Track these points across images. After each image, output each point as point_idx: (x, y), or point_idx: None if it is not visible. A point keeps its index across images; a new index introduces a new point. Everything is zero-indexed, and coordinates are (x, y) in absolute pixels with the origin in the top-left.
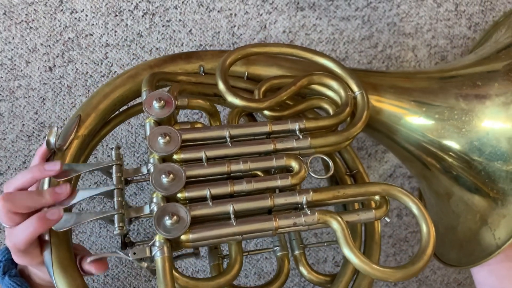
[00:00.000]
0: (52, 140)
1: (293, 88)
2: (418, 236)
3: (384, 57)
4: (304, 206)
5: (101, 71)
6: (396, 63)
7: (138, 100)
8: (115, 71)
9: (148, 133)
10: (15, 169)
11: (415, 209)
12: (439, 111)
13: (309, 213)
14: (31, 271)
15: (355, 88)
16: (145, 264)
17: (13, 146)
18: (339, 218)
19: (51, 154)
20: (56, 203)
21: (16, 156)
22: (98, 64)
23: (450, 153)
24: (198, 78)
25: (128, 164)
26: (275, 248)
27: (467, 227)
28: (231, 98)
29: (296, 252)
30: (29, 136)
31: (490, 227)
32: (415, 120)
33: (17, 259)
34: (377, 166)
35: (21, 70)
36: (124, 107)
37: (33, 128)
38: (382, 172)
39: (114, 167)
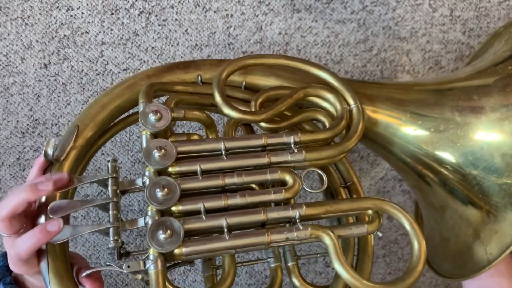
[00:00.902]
0: (50, 151)
1: (289, 100)
2: (408, 238)
3: (378, 61)
4: (297, 221)
5: (96, 69)
6: (390, 67)
7: (136, 109)
8: (111, 70)
9: (144, 145)
10: (9, 165)
11: (407, 225)
12: (435, 124)
13: (301, 228)
14: (26, 279)
15: (351, 101)
16: (139, 276)
17: (7, 142)
18: (331, 234)
19: (49, 165)
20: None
21: (10, 153)
22: (93, 62)
23: (445, 166)
24: (195, 88)
25: (122, 162)
26: (269, 260)
27: (460, 240)
28: (227, 111)
29: (289, 264)
30: (24, 132)
31: (482, 242)
32: (411, 132)
33: (15, 268)
34: (369, 169)
35: (16, 66)
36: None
37: (28, 125)
38: (373, 175)
39: (109, 180)
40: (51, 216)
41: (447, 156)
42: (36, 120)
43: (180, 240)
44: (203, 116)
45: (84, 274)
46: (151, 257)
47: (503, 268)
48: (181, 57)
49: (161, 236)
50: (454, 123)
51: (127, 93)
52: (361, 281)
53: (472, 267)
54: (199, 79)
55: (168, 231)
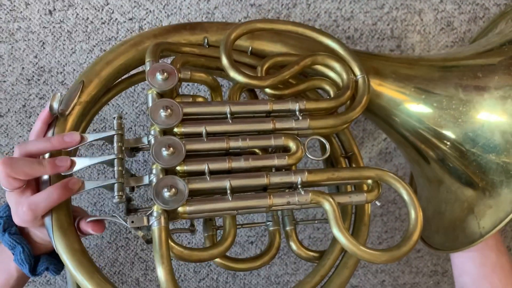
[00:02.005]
0: (55, 105)
1: (296, 67)
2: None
3: (389, 19)
4: (299, 186)
5: (101, 18)
6: (401, 26)
7: (141, 68)
8: (116, 19)
9: (150, 104)
10: (15, 112)
11: (405, 196)
12: (438, 99)
13: (302, 193)
14: (30, 230)
15: (357, 71)
16: (141, 233)
17: (13, 89)
18: (331, 200)
19: (53, 119)
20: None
21: (16, 99)
22: (98, 10)
23: (445, 142)
24: (202, 50)
25: (126, 113)
26: (268, 223)
27: (454, 214)
28: (233, 74)
29: (288, 228)
30: (29, 80)
31: (476, 216)
32: (413, 107)
33: (20, 222)
34: (372, 130)
35: (21, 11)
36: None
37: (33, 72)
38: (376, 136)
39: (115, 136)
40: None
41: (448, 132)
42: (41, 67)
43: (184, 199)
44: (209, 79)
45: (88, 219)
46: (154, 214)
47: (492, 242)
48: (188, 7)
49: (166, 193)
50: (457, 99)
51: (132, 51)
52: (358, 246)
53: (464, 240)
54: (206, 41)
55: (173, 189)
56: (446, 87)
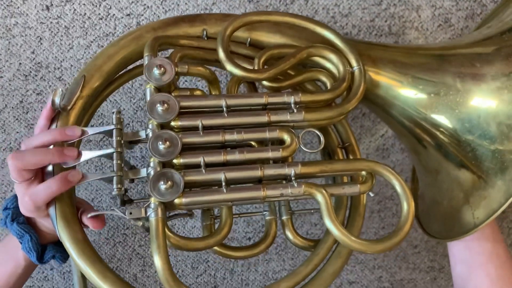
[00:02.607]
0: (57, 100)
1: (292, 60)
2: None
3: (387, 16)
4: (292, 178)
5: (99, 13)
6: (398, 23)
7: (141, 62)
8: (114, 14)
9: (148, 99)
10: (12, 107)
11: (398, 187)
12: (435, 89)
13: (295, 185)
14: (37, 220)
15: (353, 63)
16: (140, 223)
17: (10, 84)
18: (324, 192)
19: (56, 114)
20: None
21: (13, 95)
22: (96, 6)
23: (442, 131)
24: (200, 42)
25: (124, 109)
26: (264, 212)
27: (450, 204)
28: (230, 68)
29: (284, 217)
30: (26, 75)
31: (471, 206)
32: (411, 96)
33: (26, 212)
34: (370, 126)
35: (18, 7)
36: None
37: (30, 67)
38: (374, 132)
39: (114, 130)
40: None
41: (445, 121)
42: (39, 63)
43: (180, 191)
44: (206, 72)
45: (89, 215)
46: (152, 206)
47: (488, 232)
48: (185, 3)
49: (162, 186)
50: (455, 89)
51: (132, 45)
52: (350, 237)
53: (459, 230)
54: (205, 33)
55: (169, 182)
56: (443, 76)
